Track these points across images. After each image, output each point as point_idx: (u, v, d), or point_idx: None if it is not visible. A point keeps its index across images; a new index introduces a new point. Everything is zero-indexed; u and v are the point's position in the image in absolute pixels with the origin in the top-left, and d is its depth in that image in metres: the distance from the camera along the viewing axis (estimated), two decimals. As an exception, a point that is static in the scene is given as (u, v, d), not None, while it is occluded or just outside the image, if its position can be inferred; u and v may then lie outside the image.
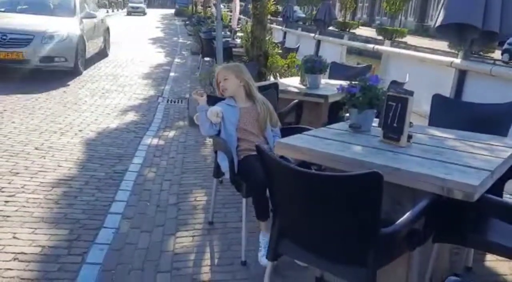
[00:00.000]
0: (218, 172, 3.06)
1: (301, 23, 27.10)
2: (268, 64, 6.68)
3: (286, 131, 3.00)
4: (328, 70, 4.67)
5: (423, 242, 2.01)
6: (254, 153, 2.85)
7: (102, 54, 11.96)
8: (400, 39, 27.93)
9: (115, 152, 4.90)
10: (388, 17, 41.11)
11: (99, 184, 3.95)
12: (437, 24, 4.03)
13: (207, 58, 10.90)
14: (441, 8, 4.03)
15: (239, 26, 13.73)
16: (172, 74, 10.86)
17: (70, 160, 4.51)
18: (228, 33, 12.04)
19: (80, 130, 5.60)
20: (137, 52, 14.88)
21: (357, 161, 2.06)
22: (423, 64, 5.27)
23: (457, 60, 4.36)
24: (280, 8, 21.07)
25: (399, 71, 5.62)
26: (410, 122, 2.31)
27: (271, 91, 3.34)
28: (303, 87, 4.22)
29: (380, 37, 28.82)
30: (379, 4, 43.80)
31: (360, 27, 38.16)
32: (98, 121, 6.13)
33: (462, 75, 4.35)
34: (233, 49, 8.59)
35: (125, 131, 5.76)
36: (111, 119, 6.31)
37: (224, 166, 2.86)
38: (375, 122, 2.62)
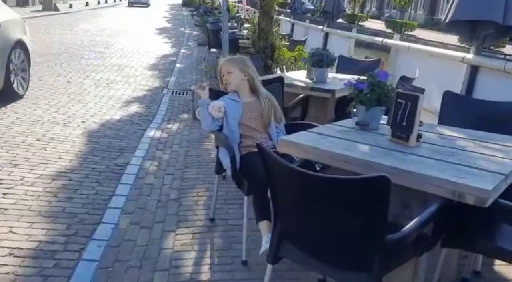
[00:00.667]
0: (220, 168, 2.97)
1: (309, 15, 26.81)
2: (275, 57, 6.58)
3: (291, 128, 2.91)
4: (335, 64, 4.55)
5: (431, 247, 1.92)
6: (257, 149, 2.77)
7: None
8: (409, 33, 27.67)
9: (117, 144, 4.83)
10: (397, 10, 40.69)
11: (100, 177, 3.88)
12: (448, 20, 3.89)
13: (213, 50, 10.80)
14: (452, 3, 3.89)
15: (244, 17, 13.62)
16: (178, 65, 10.77)
17: (71, 152, 4.44)
18: (235, 24, 11.91)
19: (83, 122, 5.54)
20: (143, 42, 14.80)
21: (364, 161, 1.96)
22: (433, 59, 5.12)
23: (469, 56, 4.22)
24: (288, -1, 20.83)
25: (409, 65, 5.48)
26: (420, 121, 2.20)
27: (276, 85, 3.24)
28: (310, 81, 4.11)
29: (389, 30, 28.53)
30: (389, -3, 43.34)
31: (369, 19, 37.85)
32: (101, 113, 6.06)
33: (474, 71, 4.22)
34: (240, 41, 8.48)
35: (128, 123, 5.69)
36: (115, 111, 6.24)
37: (226, 162, 2.77)
38: (383, 119, 2.52)
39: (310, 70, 4.19)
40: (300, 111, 3.93)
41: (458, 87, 4.28)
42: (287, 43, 7.14)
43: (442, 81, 4.61)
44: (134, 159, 4.39)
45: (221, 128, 2.84)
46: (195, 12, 26.52)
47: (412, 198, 2.03)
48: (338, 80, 4.23)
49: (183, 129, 5.57)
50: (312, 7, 35.73)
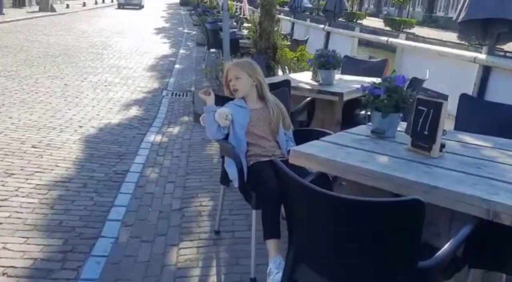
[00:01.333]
0: (225, 179, 2.80)
1: (308, 13, 26.65)
2: (277, 57, 6.40)
3: (300, 135, 2.75)
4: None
5: (460, 268, 1.77)
6: (265, 158, 2.61)
7: None
8: (408, 30, 27.52)
9: (116, 150, 4.66)
10: (395, 8, 40.62)
11: (98, 186, 3.71)
12: (461, 20, 3.73)
13: (213, 50, 10.63)
14: (463, 2, 3.73)
15: (244, 16, 13.42)
16: (177, 66, 10.60)
17: (68, 159, 4.27)
18: (235, 23, 11.73)
19: (81, 127, 5.37)
20: (141, 42, 14.62)
21: (385, 175, 1.80)
22: (442, 59, 4.96)
23: (482, 56, 4.05)
24: (287, -2, 20.63)
25: (416, 66, 5.32)
26: (444, 130, 2.04)
27: (283, 90, 3.07)
28: (316, 83, 3.94)
29: (387, 28, 28.39)
30: (387, -6, 43.24)
31: (367, 17, 37.70)
32: (99, 117, 5.89)
33: (486, 71, 4.05)
34: (240, 41, 8.30)
35: (127, 128, 5.52)
36: (113, 115, 6.07)
37: (232, 173, 2.61)
38: (399, 126, 2.36)
39: (316, 72, 4.02)
40: (306, 115, 3.76)
41: (469, 89, 4.12)
42: (289, 43, 6.97)
43: (452, 83, 4.45)
44: (134, 166, 4.23)
45: (227, 137, 2.68)
46: (193, 12, 26.35)
47: (438, 214, 1.87)
48: (344, 82, 4.08)
49: (184, 133, 5.41)
50: (310, 5, 35.58)
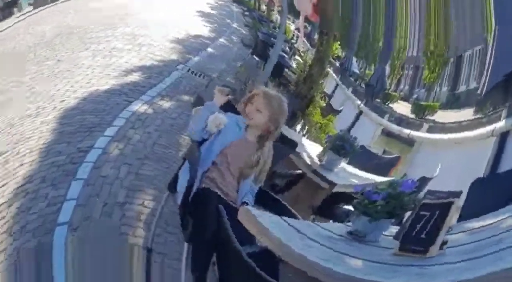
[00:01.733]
0: (173, 186, 2.41)
1: (352, 79, 26.27)
2: (307, 111, 5.98)
3: (264, 198, 2.42)
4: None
5: None
6: (219, 192, 2.25)
7: None
8: (430, 117, 27.39)
9: (90, 121, 4.17)
10: (425, 89, 40.65)
11: (57, 175, 3.22)
12: (486, 89, 3.42)
13: (256, 58, 9.82)
14: (487, 71, 3.43)
15: (297, 46, 12.83)
16: (210, 49, 9.48)
17: (35, 150, 3.62)
18: (287, 49, 11.03)
19: (62, 101, 4.66)
20: (174, 17, 12.32)
21: (354, 279, 1.42)
22: (456, 146, 4.57)
23: (500, 123, 3.65)
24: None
25: (428, 160, 4.94)
26: (449, 227, 1.73)
27: (285, 149, 2.80)
28: (317, 162, 3.46)
29: (412, 116, 28.24)
30: (421, 73, 43.67)
31: (399, 101, 37.69)
32: (89, 85, 5.22)
33: (503, 138, 3.61)
34: (285, 69, 7.82)
35: (115, 94, 4.99)
36: (106, 80, 5.43)
37: (182, 183, 2.28)
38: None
39: (326, 151, 3.56)
40: (284, 183, 3.37)
41: (482, 164, 3.69)
42: (324, 105, 6.54)
43: (463, 169, 4.01)
44: (100, 140, 3.80)
45: (202, 142, 2.37)
46: (247, 13, 25.83)
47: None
48: (347, 174, 3.59)
49: (173, 111, 4.95)
50: (357, 72, 35.13)
